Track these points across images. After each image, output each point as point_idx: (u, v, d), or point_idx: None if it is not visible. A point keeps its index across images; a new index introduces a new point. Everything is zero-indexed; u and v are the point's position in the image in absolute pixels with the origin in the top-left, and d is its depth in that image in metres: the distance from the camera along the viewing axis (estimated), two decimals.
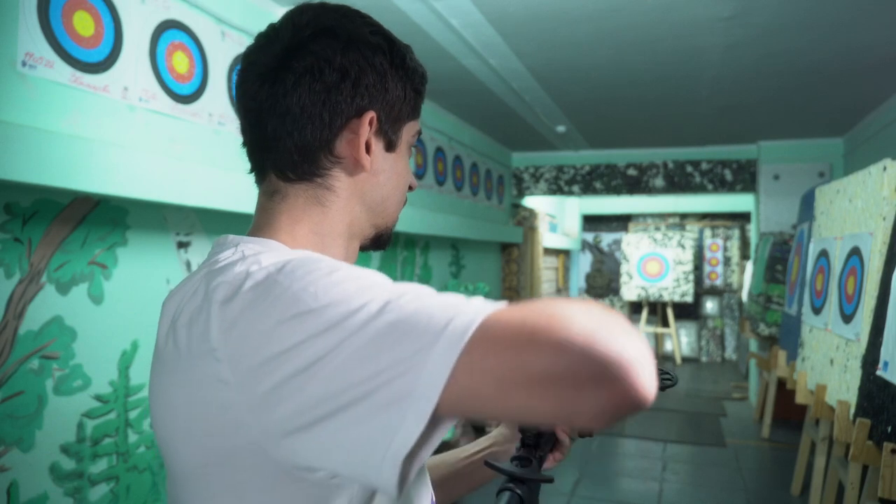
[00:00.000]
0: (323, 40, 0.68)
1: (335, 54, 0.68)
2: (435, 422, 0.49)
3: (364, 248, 0.78)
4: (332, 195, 0.71)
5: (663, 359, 8.35)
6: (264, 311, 0.54)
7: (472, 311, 0.49)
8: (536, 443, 0.74)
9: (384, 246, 0.80)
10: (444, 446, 3.63)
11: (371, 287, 0.54)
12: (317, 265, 0.57)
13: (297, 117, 0.68)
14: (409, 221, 3.53)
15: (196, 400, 0.58)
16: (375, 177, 0.73)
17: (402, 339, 0.49)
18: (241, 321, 0.55)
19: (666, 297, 7.90)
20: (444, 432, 0.52)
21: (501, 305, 0.51)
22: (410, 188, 0.79)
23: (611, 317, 0.47)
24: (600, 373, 0.44)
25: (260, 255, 0.62)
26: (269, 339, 0.53)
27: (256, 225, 0.73)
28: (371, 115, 0.70)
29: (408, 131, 0.76)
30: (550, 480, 0.67)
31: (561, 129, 4.82)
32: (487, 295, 4.75)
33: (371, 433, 0.49)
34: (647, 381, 0.45)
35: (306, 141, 0.69)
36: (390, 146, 0.74)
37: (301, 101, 0.67)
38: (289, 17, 0.70)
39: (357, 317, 0.51)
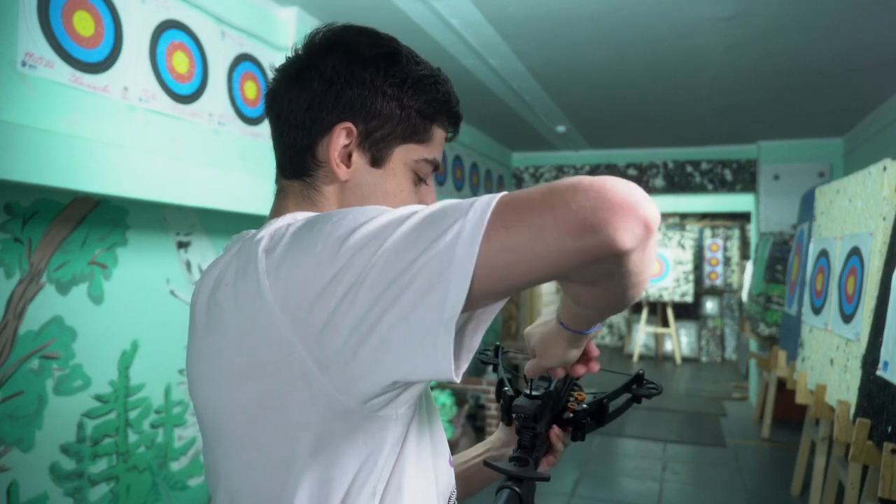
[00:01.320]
0: (325, 54, 0.73)
1: (327, 66, 0.72)
2: (476, 298, 0.53)
3: None
4: (320, 197, 0.74)
5: (663, 359, 8.35)
6: (309, 243, 0.58)
7: (488, 195, 0.55)
8: (532, 444, 0.76)
9: None
10: None
11: (403, 208, 0.59)
12: (349, 209, 0.62)
13: (287, 119, 0.74)
14: None
15: (248, 345, 0.60)
16: (359, 189, 0.74)
17: (434, 225, 0.54)
18: (287, 257, 0.58)
19: (666, 297, 7.90)
20: (488, 318, 0.58)
21: None
22: None
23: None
24: (618, 200, 0.50)
25: (296, 215, 0.68)
26: (316, 268, 0.56)
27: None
28: (347, 126, 0.72)
29: (405, 153, 0.74)
30: (547, 478, 0.69)
31: (561, 129, 4.82)
32: None
33: (423, 316, 0.53)
34: (654, 208, 0.53)
35: (293, 142, 0.74)
36: (375, 162, 0.73)
37: (291, 105, 0.73)
38: (312, 33, 0.77)
39: (392, 224, 0.56)
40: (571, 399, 0.86)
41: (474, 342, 0.59)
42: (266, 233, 0.63)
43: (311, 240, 0.58)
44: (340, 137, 0.72)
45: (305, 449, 0.61)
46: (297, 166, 0.74)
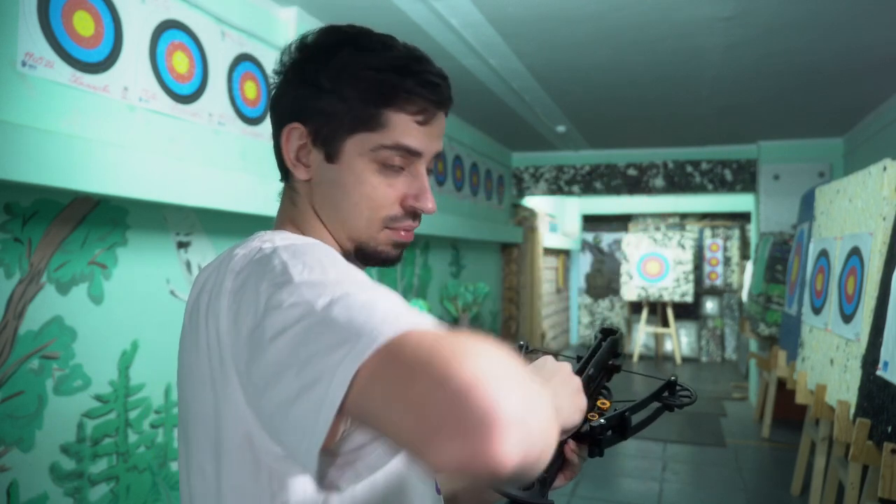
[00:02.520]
0: (292, 57, 0.76)
1: (288, 69, 0.76)
2: (348, 414, 0.51)
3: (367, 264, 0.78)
4: (298, 197, 0.77)
5: (663, 359, 8.35)
6: (259, 277, 0.60)
7: (400, 323, 0.49)
8: None
9: (374, 262, 0.77)
10: None
11: (348, 281, 0.57)
12: (316, 249, 0.62)
13: (272, 121, 0.79)
14: None
15: (208, 354, 0.63)
16: (322, 186, 0.74)
17: (338, 331, 0.51)
18: (245, 285, 0.61)
19: (666, 297, 7.90)
20: (365, 440, 0.61)
21: (432, 326, 0.50)
22: (419, 210, 0.75)
23: (521, 372, 0.44)
24: (464, 419, 0.40)
25: (274, 236, 0.69)
26: (254, 307, 0.58)
27: (275, 222, 0.82)
28: (295, 126, 0.74)
29: (358, 144, 0.71)
30: None
31: (561, 129, 4.82)
32: (487, 295, 4.75)
33: (301, 413, 0.51)
34: (511, 445, 0.40)
35: (274, 142, 0.78)
36: (329, 158, 0.73)
37: (270, 109, 0.79)
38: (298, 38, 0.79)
39: (320, 301, 0.54)
40: (594, 409, 0.78)
41: (352, 449, 0.61)
42: (241, 252, 0.66)
43: (262, 274, 0.60)
44: (292, 138, 0.74)
45: (235, 463, 0.63)
46: (280, 168, 0.79)
